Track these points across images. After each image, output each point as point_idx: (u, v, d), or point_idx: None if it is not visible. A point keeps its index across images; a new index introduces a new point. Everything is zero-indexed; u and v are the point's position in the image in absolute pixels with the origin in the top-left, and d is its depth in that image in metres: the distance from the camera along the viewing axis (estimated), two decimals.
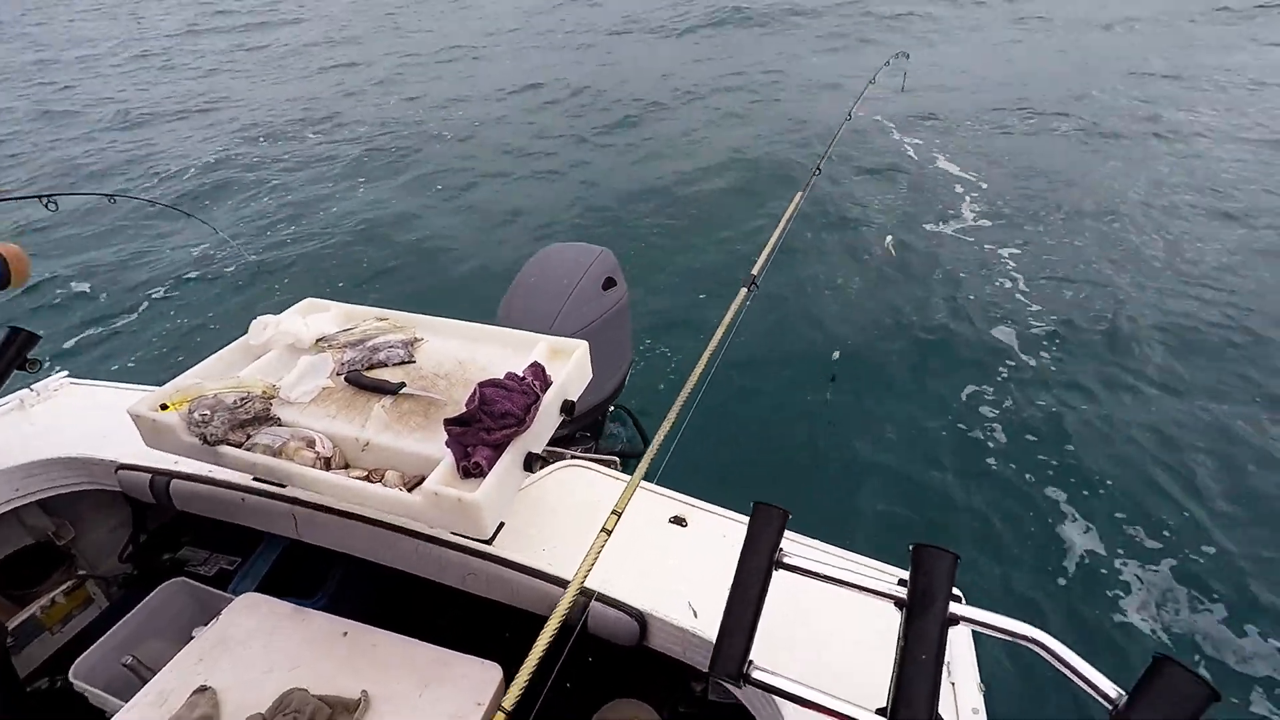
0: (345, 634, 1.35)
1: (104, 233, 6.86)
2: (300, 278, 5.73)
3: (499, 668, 1.28)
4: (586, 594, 1.27)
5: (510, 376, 1.25)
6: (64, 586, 1.85)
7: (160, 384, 1.39)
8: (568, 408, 1.37)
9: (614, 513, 1.15)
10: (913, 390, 3.80)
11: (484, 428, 1.14)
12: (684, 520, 1.46)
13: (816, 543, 1.39)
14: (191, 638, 1.46)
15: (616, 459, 2.35)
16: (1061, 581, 2.74)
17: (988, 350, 4.04)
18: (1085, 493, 3.10)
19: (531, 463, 1.22)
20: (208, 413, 1.25)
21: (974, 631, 0.98)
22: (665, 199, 6.43)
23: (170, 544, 1.98)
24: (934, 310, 4.43)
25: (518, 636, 1.46)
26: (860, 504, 3.11)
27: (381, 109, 10.07)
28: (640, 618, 1.25)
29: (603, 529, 1.07)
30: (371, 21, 17.35)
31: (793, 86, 9.42)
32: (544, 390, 1.27)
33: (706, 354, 1.40)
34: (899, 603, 0.89)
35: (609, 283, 2.43)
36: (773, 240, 1.83)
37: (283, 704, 1.18)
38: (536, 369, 1.31)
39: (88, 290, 5.90)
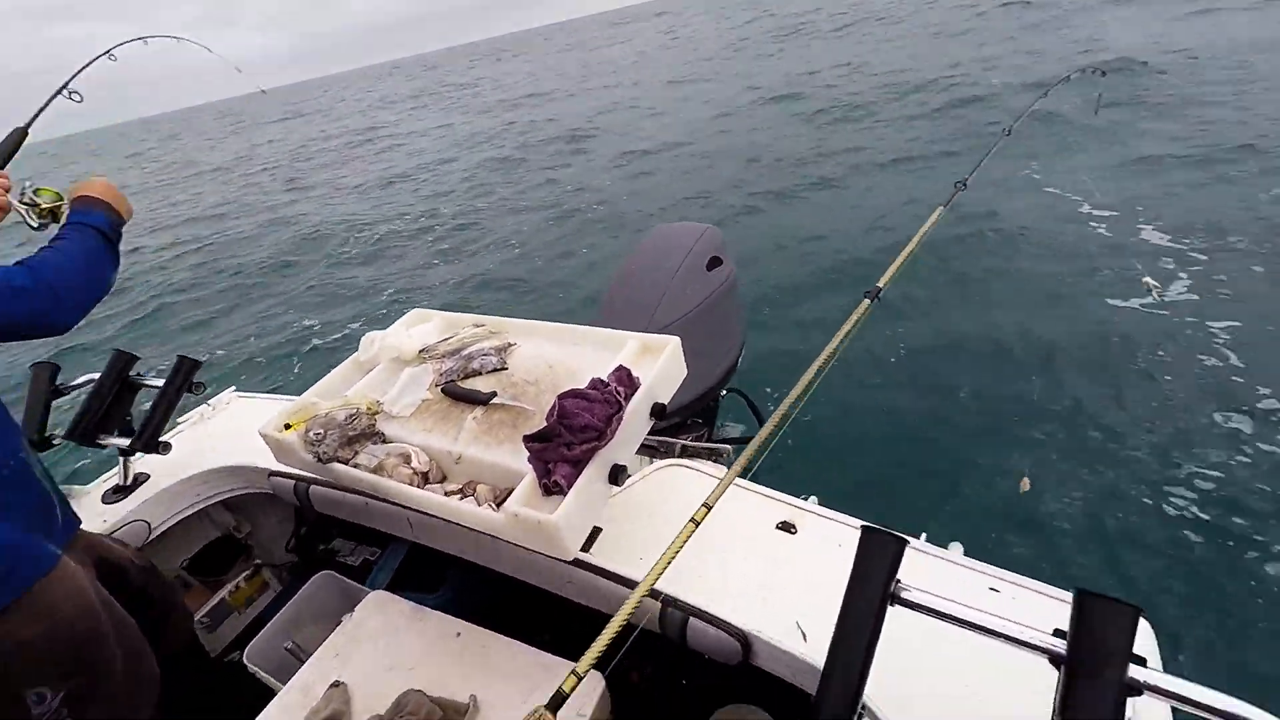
0: (459, 635, 1.40)
1: None
2: None
3: (601, 678, 1.25)
4: (681, 608, 1.20)
5: (594, 384, 1.19)
6: (245, 574, 2.13)
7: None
8: (658, 411, 1.28)
9: (704, 505, 1.05)
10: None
11: (564, 443, 1.09)
12: (793, 526, 1.33)
13: (963, 561, 1.20)
14: (338, 623, 1.59)
15: (729, 448, 2.24)
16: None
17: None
18: None
19: (617, 475, 1.16)
20: (321, 431, 1.32)
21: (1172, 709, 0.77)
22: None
23: (324, 536, 2.20)
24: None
25: (618, 643, 1.43)
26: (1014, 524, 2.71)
27: None
28: (743, 638, 1.15)
29: (691, 520, 0.98)
30: None
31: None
32: (629, 396, 1.19)
33: (821, 358, 1.27)
34: (1055, 659, 0.71)
35: (714, 262, 2.29)
36: (903, 255, 1.61)
37: (400, 705, 1.23)
38: (622, 373, 1.23)
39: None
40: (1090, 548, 2.65)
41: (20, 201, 1.32)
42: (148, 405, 1.78)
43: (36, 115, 1.64)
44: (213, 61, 2.39)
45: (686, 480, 1.51)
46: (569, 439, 1.09)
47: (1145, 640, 0.99)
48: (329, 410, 1.38)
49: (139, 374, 1.82)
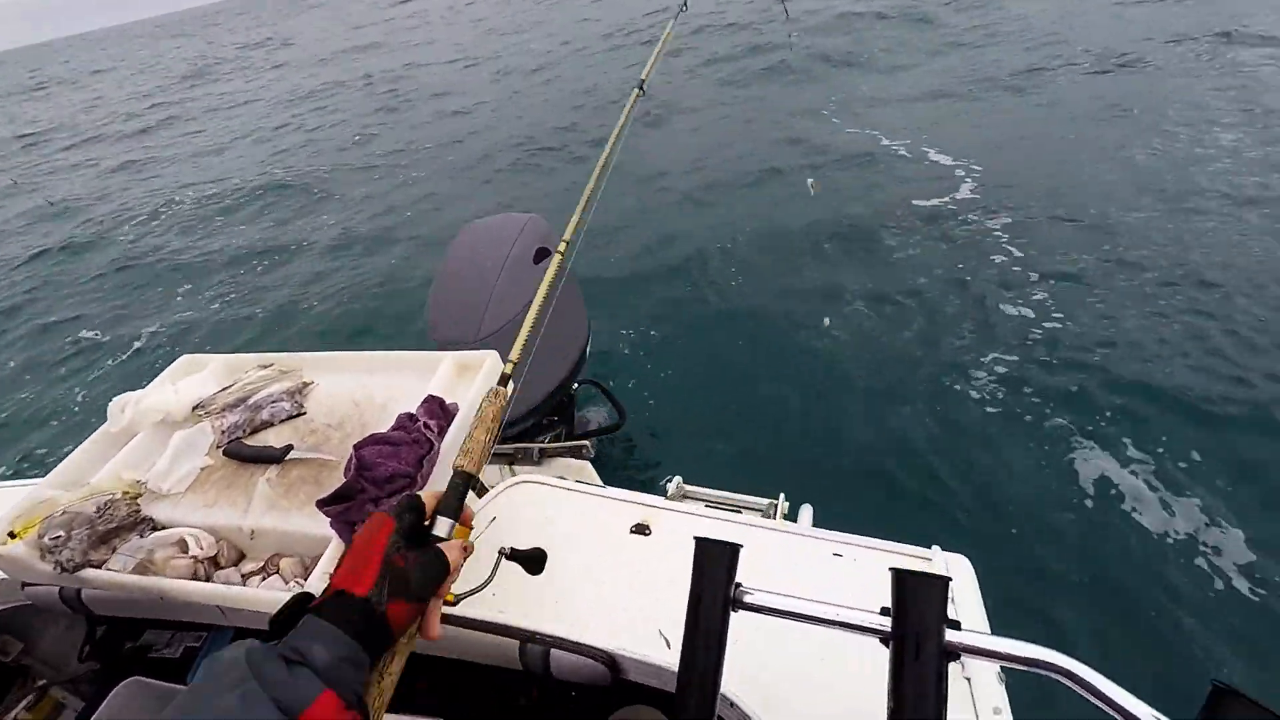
0: None
1: None
2: None
3: None
4: (540, 641, 1.12)
5: (401, 422, 1.05)
6: (26, 701, 1.74)
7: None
8: None
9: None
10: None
11: (370, 498, 0.95)
12: (647, 528, 1.29)
13: (809, 532, 1.22)
14: None
15: (587, 444, 2.18)
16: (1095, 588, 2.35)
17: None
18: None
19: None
20: (61, 534, 1.06)
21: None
22: None
23: (132, 632, 1.85)
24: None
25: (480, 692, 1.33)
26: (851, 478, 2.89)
27: None
28: (609, 659, 1.10)
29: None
30: None
31: None
32: (443, 431, 1.06)
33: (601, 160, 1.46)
34: (884, 639, 0.72)
35: (542, 253, 2.17)
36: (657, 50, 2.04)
37: None
38: (432, 405, 1.10)
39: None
40: (915, 486, 2.83)
41: None
42: None
43: None
44: None
45: (531, 497, 1.42)
46: (374, 493, 0.95)
47: (968, 592, 1.06)
48: (68, 504, 1.11)
49: None
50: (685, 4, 2.48)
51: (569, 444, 2.12)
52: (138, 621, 1.88)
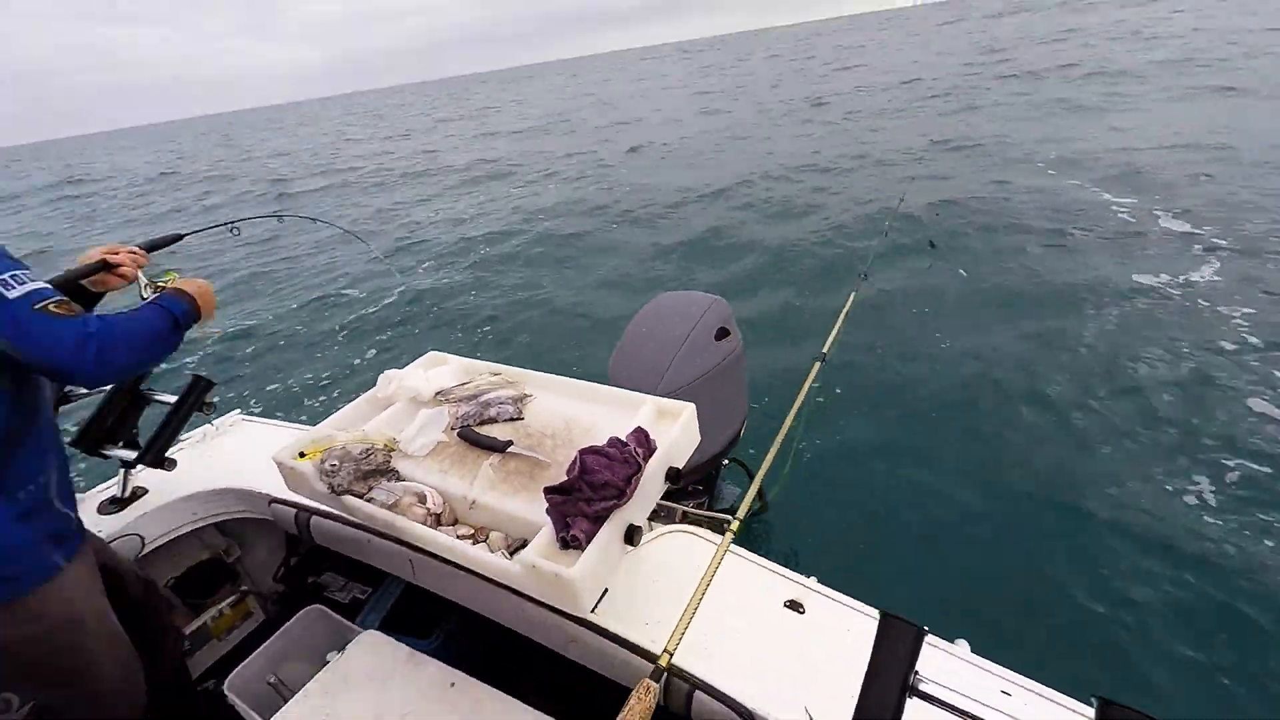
0: (453, 685, 1.38)
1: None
2: None
3: None
4: (688, 680, 1.20)
5: (613, 442, 1.22)
6: (230, 600, 2.09)
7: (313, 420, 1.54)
8: (673, 475, 1.32)
9: (705, 579, 1.08)
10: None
11: (584, 498, 1.12)
12: (801, 606, 1.34)
13: (973, 659, 1.20)
14: (325, 661, 1.56)
15: (730, 518, 2.25)
16: None
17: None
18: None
19: (633, 535, 1.18)
20: (336, 463, 1.35)
21: None
22: None
23: (315, 569, 2.17)
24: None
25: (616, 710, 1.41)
26: (1034, 617, 2.66)
27: None
28: (748, 716, 1.15)
29: (697, 590, 1.00)
30: None
31: None
32: (647, 458, 1.22)
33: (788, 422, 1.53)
34: None
35: (722, 333, 2.36)
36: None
37: None
38: (640, 435, 1.27)
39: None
40: (1111, 650, 2.56)
41: (146, 278, 1.49)
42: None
43: (196, 231, 2.00)
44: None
45: (693, 547, 1.53)
46: (589, 495, 1.12)
47: None
48: (345, 443, 1.41)
49: (149, 388, 1.84)
50: (865, 275, 2.64)
51: (713, 514, 2.22)
52: (324, 561, 2.21)
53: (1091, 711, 0.70)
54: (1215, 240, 5.58)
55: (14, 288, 1.10)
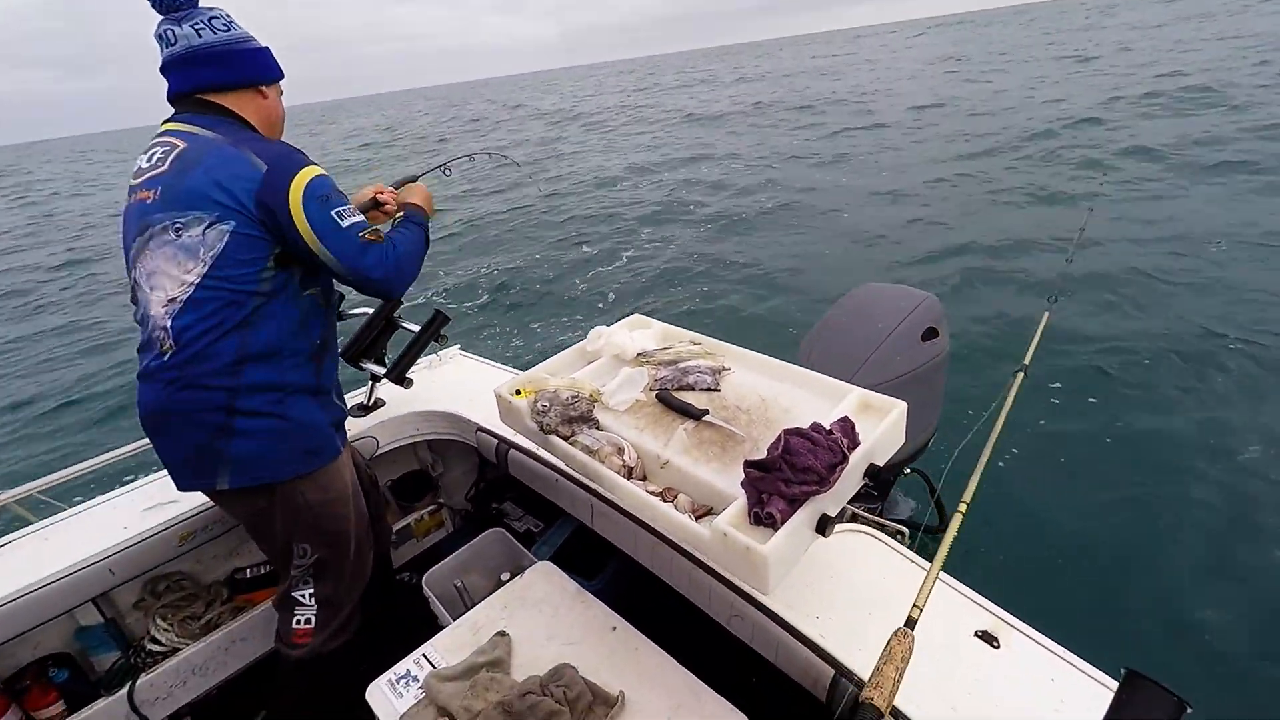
0: (614, 629, 1.45)
1: None
2: None
3: None
4: (859, 685, 1.14)
5: (816, 428, 1.18)
6: (429, 508, 2.39)
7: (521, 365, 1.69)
8: (872, 472, 1.25)
9: (915, 606, 1.01)
10: None
11: (783, 478, 1.10)
12: (996, 640, 1.21)
13: None
14: (500, 580, 1.72)
15: (904, 530, 2.10)
16: None
17: None
18: None
19: (825, 525, 1.14)
20: (547, 404, 1.45)
21: None
22: None
23: (499, 497, 2.40)
24: None
25: (771, 695, 1.39)
26: None
27: None
28: None
29: (907, 621, 0.94)
30: None
31: None
32: (851, 449, 1.17)
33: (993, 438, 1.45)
34: None
35: (930, 333, 2.18)
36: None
37: (557, 675, 1.30)
38: (846, 424, 1.21)
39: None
40: None
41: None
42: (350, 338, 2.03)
43: (425, 173, 2.08)
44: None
45: (874, 551, 1.45)
46: (789, 476, 1.09)
47: None
48: (556, 387, 1.51)
49: (400, 316, 2.13)
50: (1056, 297, 2.56)
51: (887, 521, 2.07)
52: (507, 491, 2.43)
53: None
54: None
55: (347, 219, 1.37)
